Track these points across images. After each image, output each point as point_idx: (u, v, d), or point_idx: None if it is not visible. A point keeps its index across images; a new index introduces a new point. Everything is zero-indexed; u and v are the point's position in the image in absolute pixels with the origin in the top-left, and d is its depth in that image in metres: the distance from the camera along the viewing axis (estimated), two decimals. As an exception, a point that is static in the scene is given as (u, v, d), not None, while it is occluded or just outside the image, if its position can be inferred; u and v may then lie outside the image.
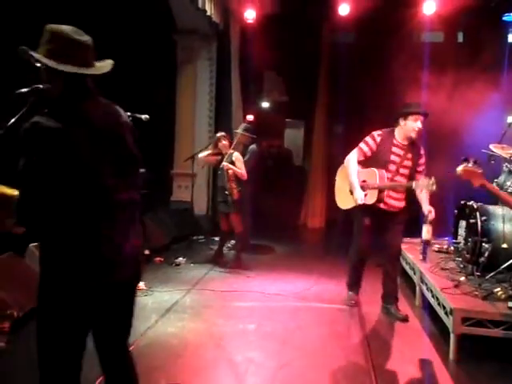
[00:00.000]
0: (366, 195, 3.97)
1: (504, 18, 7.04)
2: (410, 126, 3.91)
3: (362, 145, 4.09)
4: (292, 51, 8.07)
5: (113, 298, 1.89)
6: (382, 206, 4.00)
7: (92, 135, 1.77)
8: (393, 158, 3.99)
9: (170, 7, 7.31)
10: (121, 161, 1.86)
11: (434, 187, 3.67)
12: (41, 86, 1.93)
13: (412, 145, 4.02)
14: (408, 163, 4.00)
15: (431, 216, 3.88)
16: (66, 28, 1.81)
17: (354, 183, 4.00)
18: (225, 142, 5.64)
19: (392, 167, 3.98)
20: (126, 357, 2.05)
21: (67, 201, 1.73)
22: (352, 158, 4.10)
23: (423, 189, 3.80)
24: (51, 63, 1.75)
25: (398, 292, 4.26)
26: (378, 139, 4.03)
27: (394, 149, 4.00)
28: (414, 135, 3.93)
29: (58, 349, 1.80)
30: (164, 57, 7.73)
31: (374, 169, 4.01)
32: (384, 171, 3.98)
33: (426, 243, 3.99)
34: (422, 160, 4.07)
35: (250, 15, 7.49)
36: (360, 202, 3.93)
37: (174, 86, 8.16)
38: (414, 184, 3.83)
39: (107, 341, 1.99)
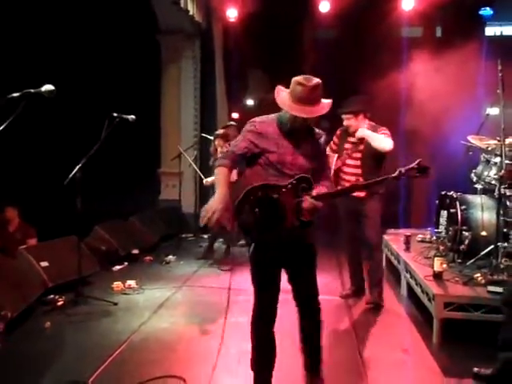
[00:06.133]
0: None
1: (480, 12, 7.24)
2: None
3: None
4: (275, 48, 8.14)
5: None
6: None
7: None
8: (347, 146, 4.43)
9: (152, 8, 7.36)
10: None
11: None
12: (32, 91, 2.01)
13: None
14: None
15: None
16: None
17: None
18: (217, 143, 5.60)
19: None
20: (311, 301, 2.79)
21: None
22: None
23: None
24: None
25: (375, 281, 4.22)
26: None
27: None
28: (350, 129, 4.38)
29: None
30: (148, 57, 7.78)
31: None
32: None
33: (436, 276, 3.74)
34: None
35: (232, 14, 7.56)
36: None
37: (158, 85, 8.21)
38: None
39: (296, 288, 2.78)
